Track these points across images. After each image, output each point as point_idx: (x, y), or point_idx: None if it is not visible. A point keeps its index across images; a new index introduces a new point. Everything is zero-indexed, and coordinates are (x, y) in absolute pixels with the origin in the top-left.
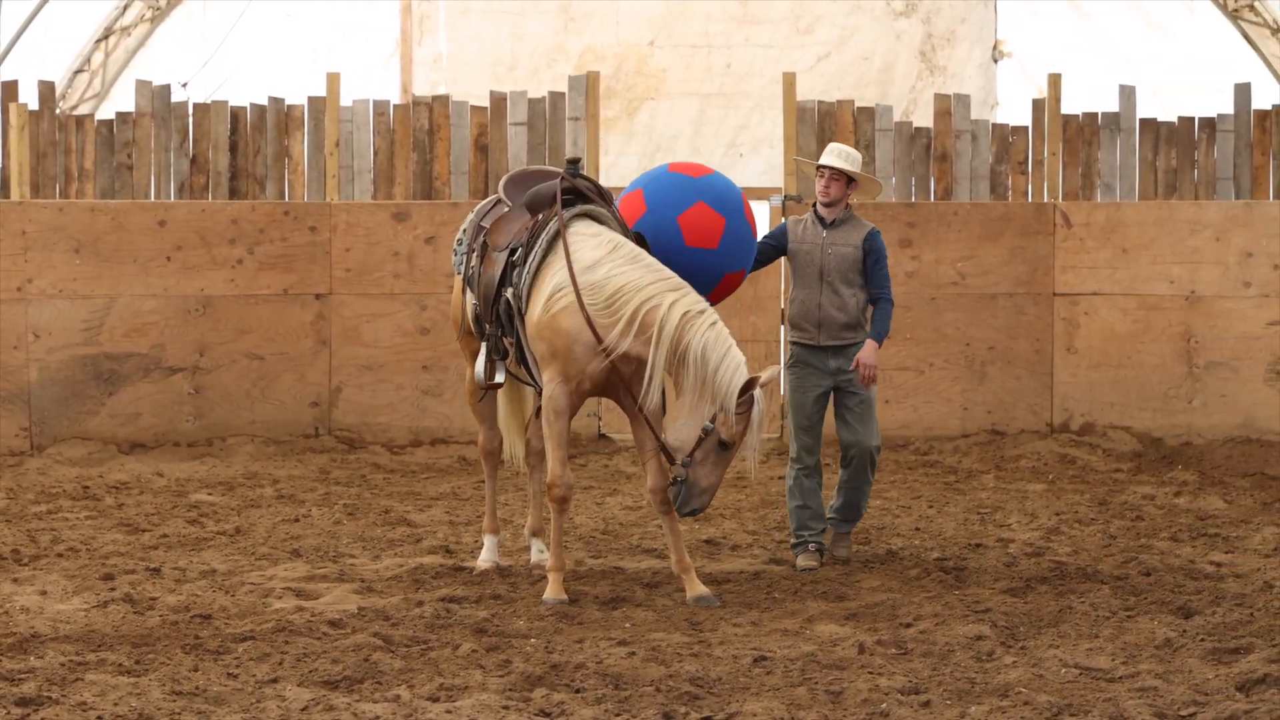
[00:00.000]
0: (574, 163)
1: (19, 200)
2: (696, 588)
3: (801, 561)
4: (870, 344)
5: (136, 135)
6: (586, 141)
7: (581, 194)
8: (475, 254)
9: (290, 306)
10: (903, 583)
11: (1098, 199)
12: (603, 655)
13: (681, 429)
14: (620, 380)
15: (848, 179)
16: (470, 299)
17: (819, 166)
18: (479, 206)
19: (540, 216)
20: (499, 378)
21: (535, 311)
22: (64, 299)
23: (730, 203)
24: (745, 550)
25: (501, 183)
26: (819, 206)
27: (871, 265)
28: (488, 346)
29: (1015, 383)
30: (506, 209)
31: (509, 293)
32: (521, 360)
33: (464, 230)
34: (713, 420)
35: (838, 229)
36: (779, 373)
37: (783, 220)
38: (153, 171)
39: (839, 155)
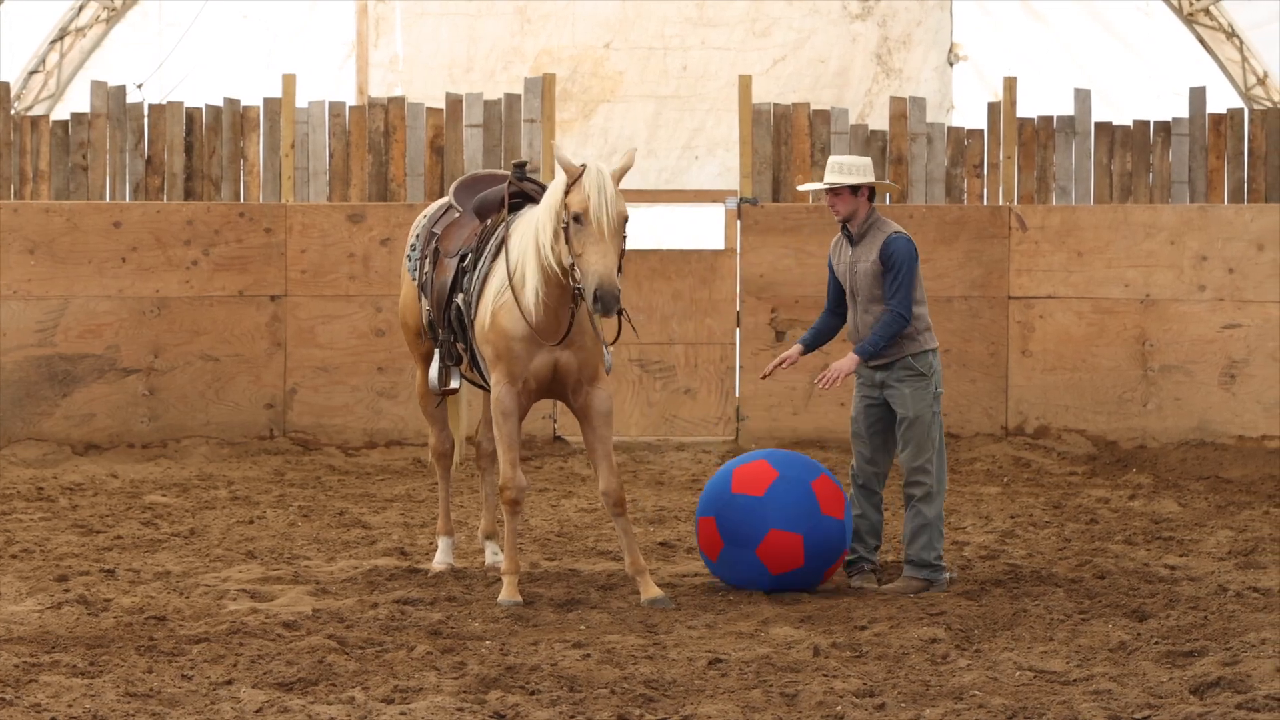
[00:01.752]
0: (520, 166)
1: None
2: (651, 590)
3: (855, 582)
4: (851, 356)
5: (91, 136)
6: (542, 144)
7: (530, 197)
8: (428, 260)
9: (245, 308)
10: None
11: (1053, 202)
12: (558, 657)
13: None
14: (565, 380)
15: (852, 189)
16: (425, 305)
17: (823, 188)
18: (428, 211)
19: (489, 221)
20: (454, 384)
21: (483, 315)
22: (18, 300)
23: (825, 555)
24: (700, 553)
25: (451, 188)
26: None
27: (887, 273)
28: (441, 352)
29: (970, 386)
30: (458, 214)
31: (459, 298)
32: (475, 365)
33: (416, 235)
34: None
35: (861, 244)
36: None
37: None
38: (108, 172)
39: (833, 169)
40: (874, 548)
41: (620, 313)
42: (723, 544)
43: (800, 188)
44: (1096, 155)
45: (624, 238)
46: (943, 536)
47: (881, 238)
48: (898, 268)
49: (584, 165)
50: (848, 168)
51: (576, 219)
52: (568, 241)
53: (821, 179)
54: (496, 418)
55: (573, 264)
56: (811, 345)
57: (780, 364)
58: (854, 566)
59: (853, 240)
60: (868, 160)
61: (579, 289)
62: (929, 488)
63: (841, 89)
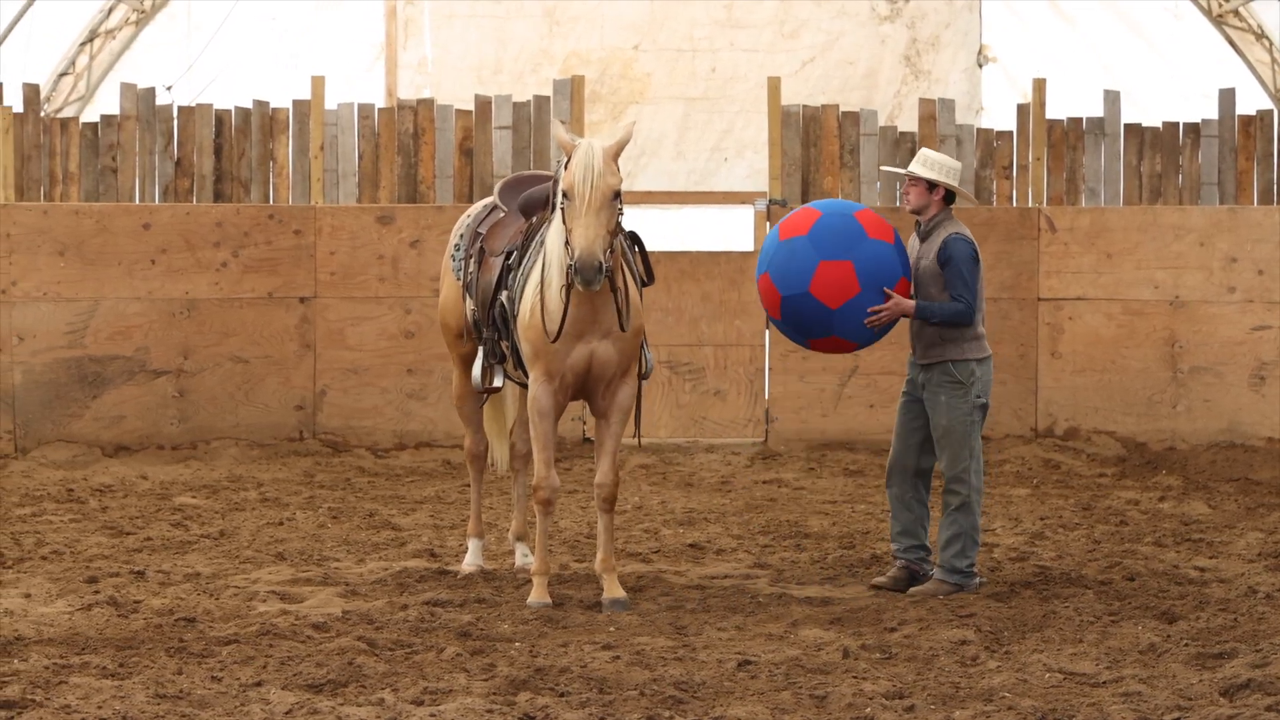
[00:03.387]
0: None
1: (3, 203)
2: (615, 590)
3: (875, 581)
4: (906, 304)
5: (121, 138)
6: None
7: None
8: (473, 259)
9: (275, 310)
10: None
11: (1082, 204)
12: (587, 659)
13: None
14: (603, 373)
15: (929, 185)
16: (469, 304)
17: (904, 173)
18: (471, 211)
19: (534, 220)
20: (497, 382)
21: (523, 312)
22: (48, 302)
23: (878, 279)
24: (730, 554)
25: (496, 188)
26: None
27: (948, 274)
28: (485, 351)
29: (999, 387)
30: (503, 214)
31: (504, 296)
32: (519, 364)
33: (460, 235)
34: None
35: (928, 240)
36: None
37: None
38: (137, 174)
39: (921, 162)
40: (909, 547)
41: (629, 268)
42: (779, 295)
43: (887, 168)
44: (1126, 157)
45: (617, 210)
46: (977, 546)
47: (943, 236)
48: (956, 265)
49: (577, 143)
50: (931, 162)
51: (566, 196)
52: (564, 222)
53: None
54: (533, 417)
55: (567, 242)
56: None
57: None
58: (893, 565)
59: (920, 235)
60: (957, 165)
61: (573, 265)
62: (964, 497)
63: (870, 91)
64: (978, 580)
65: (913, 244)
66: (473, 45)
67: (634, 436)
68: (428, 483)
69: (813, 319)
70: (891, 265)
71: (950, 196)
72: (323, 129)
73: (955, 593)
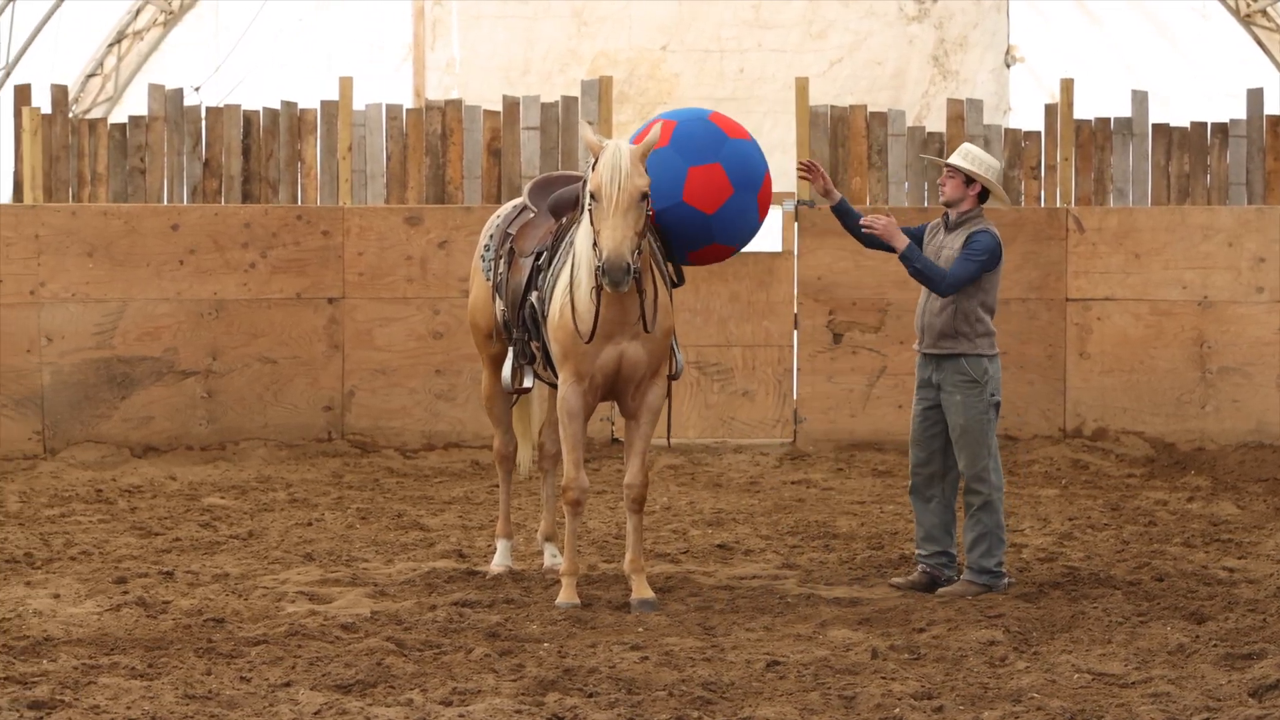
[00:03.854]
0: None
1: (32, 204)
2: (643, 590)
3: (895, 580)
4: (902, 238)
5: (149, 139)
6: None
7: None
8: (502, 260)
9: (303, 310)
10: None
11: (1110, 204)
12: (616, 660)
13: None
14: (632, 374)
15: (966, 180)
16: (499, 305)
17: (944, 163)
18: (501, 211)
19: (564, 220)
20: (527, 383)
21: (553, 312)
22: (77, 303)
23: (747, 176)
24: (758, 555)
25: (526, 189)
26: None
27: (963, 254)
28: (514, 351)
29: (1028, 388)
30: (532, 214)
31: (534, 297)
32: (549, 365)
33: (490, 236)
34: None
35: (954, 232)
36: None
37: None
38: (165, 175)
39: (962, 155)
40: (934, 553)
41: (658, 270)
42: (651, 212)
43: (923, 156)
44: (1154, 157)
45: (645, 211)
46: (1003, 544)
47: (973, 229)
48: (970, 249)
49: (604, 144)
50: (973, 157)
51: (593, 198)
52: (592, 223)
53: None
54: (562, 418)
55: (595, 243)
56: (849, 213)
57: (817, 171)
58: (917, 572)
59: (946, 226)
60: (998, 164)
61: (601, 266)
62: (986, 496)
63: (898, 91)
64: (1006, 580)
65: (937, 236)
66: (500, 46)
67: (660, 435)
68: (456, 483)
69: (692, 228)
70: (757, 161)
71: (984, 196)
72: (351, 130)
73: (984, 593)
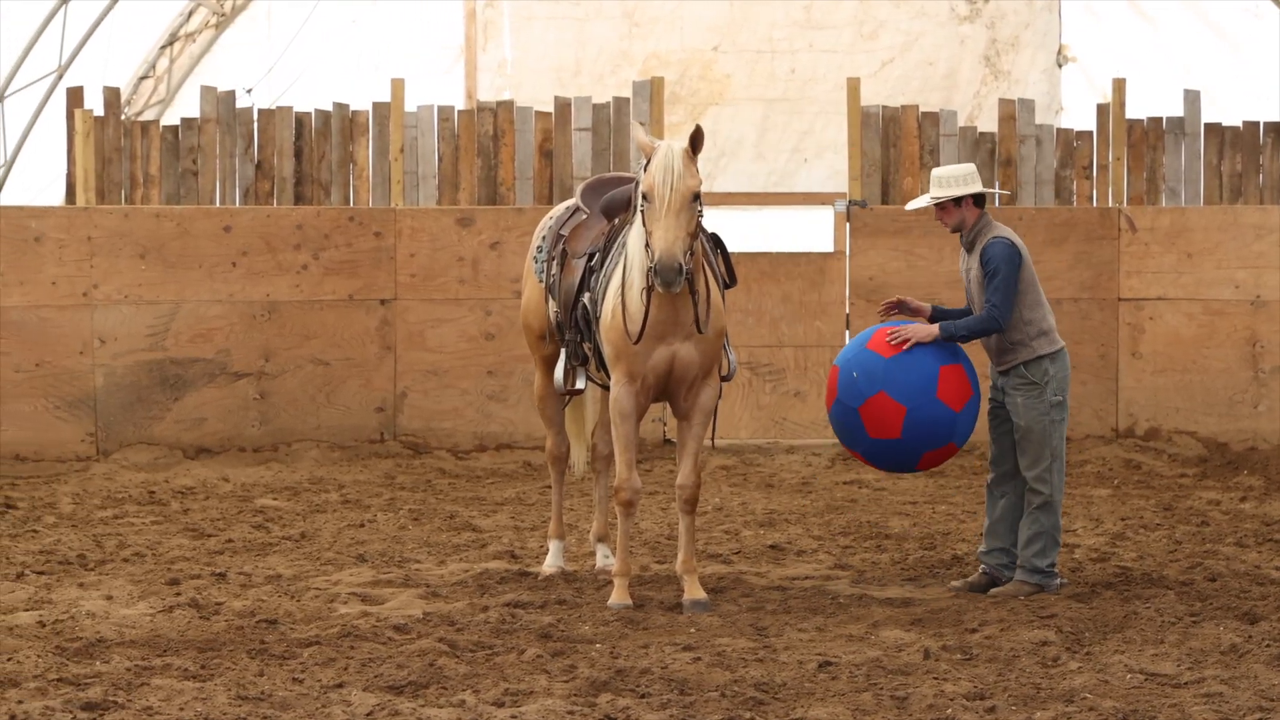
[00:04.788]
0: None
1: (85, 206)
2: (696, 591)
3: (953, 584)
4: (930, 328)
5: (201, 141)
6: None
7: None
8: (555, 261)
9: (355, 312)
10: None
11: (1162, 204)
12: (668, 660)
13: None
14: (685, 375)
15: (956, 201)
16: (551, 306)
17: (931, 203)
18: (553, 213)
19: (616, 221)
20: (580, 384)
21: (605, 313)
22: (129, 304)
23: (912, 388)
24: (810, 555)
25: (579, 190)
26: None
27: (986, 277)
28: (567, 353)
29: (1080, 388)
30: (585, 216)
31: (586, 298)
32: (601, 366)
33: (542, 237)
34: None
35: (974, 252)
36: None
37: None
38: (218, 177)
39: (936, 183)
40: (993, 549)
41: (712, 269)
42: (836, 395)
43: (908, 206)
44: (1206, 156)
45: (697, 212)
46: (1058, 545)
47: (981, 244)
48: (994, 270)
49: (657, 145)
50: (946, 180)
51: (646, 198)
52: (644, 224)
53: (928, 185)
54: (615, 419)
55: (647, 244)
56: (939, 316)
57: (897, 303)
58: (977, 573)
59: (967, 249)
60: (970, 168)
61: (653, 268)
62: (1046, 496)
63: (950, 91)
64: (1059, 581)
65: (962, 259)
66: (552, 47)
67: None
68: (508, 484)
69: (849, 429)
70: (947, 431)
71: (980, 200)
72: (403, 131)
73: (1036, 593)
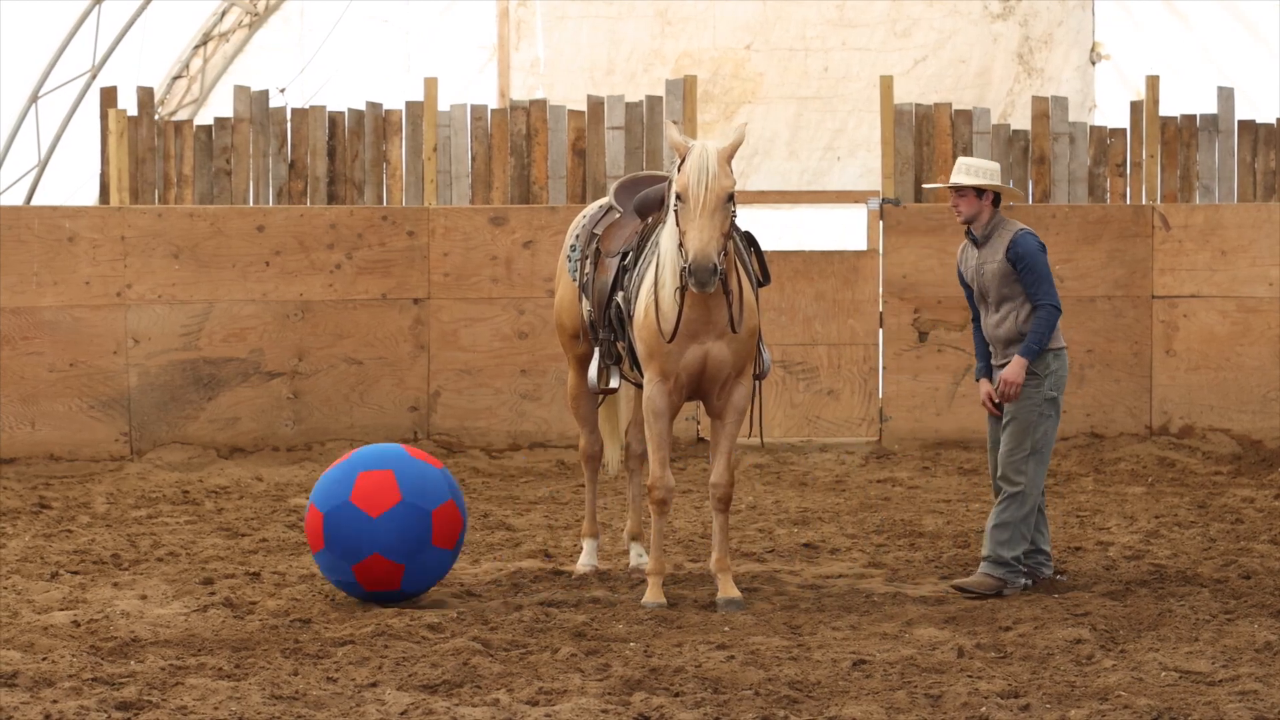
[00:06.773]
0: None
1: (118, 206)
2: (729, 590)
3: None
4: (1016, 360)
5: (235, 141)
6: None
7: None
8: (589, 260)
9: (388, 311)
10: None
11: (1196, 201)
12: (702, 659)
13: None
14: (718, 373)
15: (977, 192)
16: (585, 305)
17: (946, 187)
18: (587, 212)
19: (650, 220)
20: (613, 383)
21: (638, 312)
22: (163, 304)
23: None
24: (844, 554)
25: (612, 189)
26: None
27: (1021, 272)
28: (600, 351)
29: (1114, 385)
30: (618, 215)
31: (619, 297)
32: (635, 364)
33: (575, 236)
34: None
35: (988, 245)
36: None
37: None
38: (251, 177)
39: (962, 170)
40: (1028, 552)
41: (745, 271)
42: (324, 545)
43: (926, 186)
44: (1240, 154)
45: (731, 212)
46: (1024, 540)
47: (1008, 237)
48: (1029, 263)
49: (690, 145)
50: (974, 169)
51: (680, 198)
52: (678, 224)
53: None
54: (648, 417)
55: (680, 244)
56: (988, 369)
57: (989, 403)
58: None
59: (978, 243)
60: (996, 165)
61: (687, 268)
62: (1020, 486)
63: (983, 89)
64: (1023, 581)
65: (969, 255)
66: (584, 46)
67: (750, 435)
68: (542, 483)
69: (341, 579)
70: (440, 572)
71: (997, 199)
72: (435, 130)
73: (1000, 591)
